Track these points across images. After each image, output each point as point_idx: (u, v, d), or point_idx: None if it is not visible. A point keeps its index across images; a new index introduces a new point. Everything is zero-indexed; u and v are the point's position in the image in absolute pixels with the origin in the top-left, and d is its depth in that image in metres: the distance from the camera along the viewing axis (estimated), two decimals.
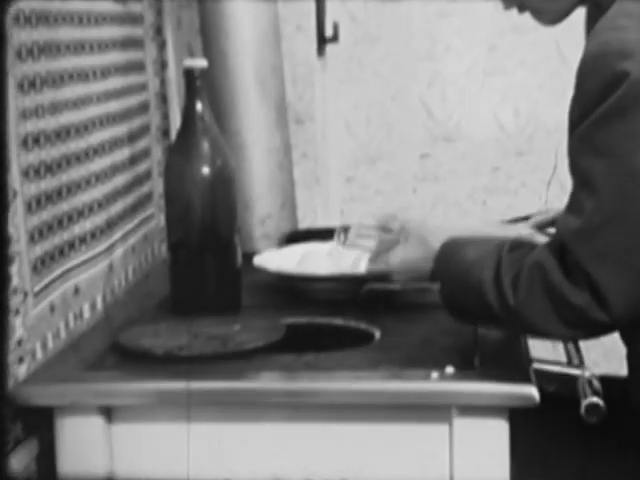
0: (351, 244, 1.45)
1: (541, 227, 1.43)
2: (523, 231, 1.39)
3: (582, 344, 1.38)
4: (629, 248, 1.15)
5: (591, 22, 1.28)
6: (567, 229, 1.18)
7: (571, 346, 1.40)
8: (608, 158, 1.15)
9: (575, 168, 1.19)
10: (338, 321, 1.49)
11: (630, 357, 1.26)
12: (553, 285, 1.17)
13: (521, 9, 1.30)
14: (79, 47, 1.53)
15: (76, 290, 1.49)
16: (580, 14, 1.32)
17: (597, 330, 1.20)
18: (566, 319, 1.17)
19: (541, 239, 1.33)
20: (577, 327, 1.18)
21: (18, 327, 1.30)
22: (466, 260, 1.25)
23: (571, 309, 1.17)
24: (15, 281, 1.29)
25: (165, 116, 1.97)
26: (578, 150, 1.18)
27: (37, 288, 1.36)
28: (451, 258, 1.27)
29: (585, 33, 1.29)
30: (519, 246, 1.23)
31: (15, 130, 1.30)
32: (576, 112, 1.19)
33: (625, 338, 1.27)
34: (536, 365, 1.29)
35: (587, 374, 1.28)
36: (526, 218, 1.46)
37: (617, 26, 1.17)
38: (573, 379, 1.28)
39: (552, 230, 1.40)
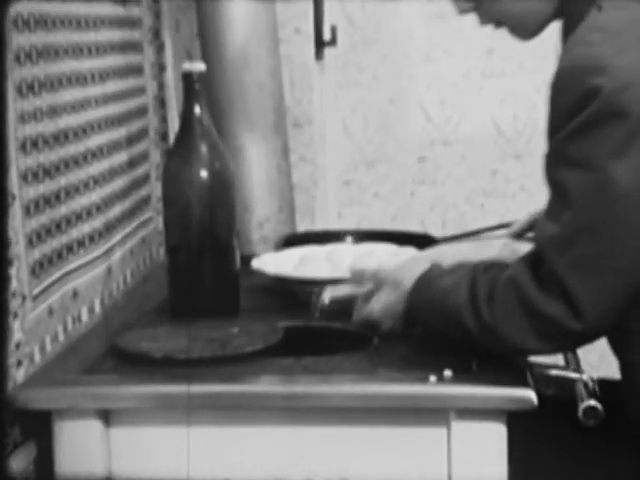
0: (327, 311, 1.45)
1: (519, 235, 1.44)
2: (499, 242, 1.40)
3: (585, 349, 1.38)
4: (603, 258, 1.16)
5: (565, 35, 1.29)
6: (544, 237, 1.19)
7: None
8: (582, 170, 1.16)
9: (550, 179, 1.21)
10: (336, 325, 1.49)
11: (621, 366, 1.27)
12: (527, 298, 1.18)
13: (497, 25, 1.32)
14: (77, 51, 1.53)
15: (74, 293, 1.49)
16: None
17: (572, 342, 1.22)
18: (541, 332, 1.19)
19: (517, 246, 1.34)
20: (552, 340, 1.20)
21: (16, 330, 1.30)
22: (441, 287, 1.27)
23: (546, 321, 1.18)
24: (13, 284, 1.29)
25: (163, 119, 1.98)
26: (553, 161, 1.20)
27: (35, 291, 1.36)
28: (426, 288, 1.29)
29: (561, 45, 1.30)
30: (493, 266, 1.25)
31: (14, 134, 1.30)
32: (551, 126, 1.21)
33: (614, 348, 1.27)
34: (534, 368, 1.29)
35: (585, 377, 1.28)
36: (508, 225, 1.47)
37: (588, 41, 1.18)
38: (571, 382, 1.28)
39: (531, 235, 1.41)
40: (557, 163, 1.19)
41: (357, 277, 1.42)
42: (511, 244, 1.38)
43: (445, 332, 1.28)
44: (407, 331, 1.33)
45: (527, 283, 1.18)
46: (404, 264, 1.37)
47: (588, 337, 1.21)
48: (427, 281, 1.30)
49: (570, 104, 1.16)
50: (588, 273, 1.16)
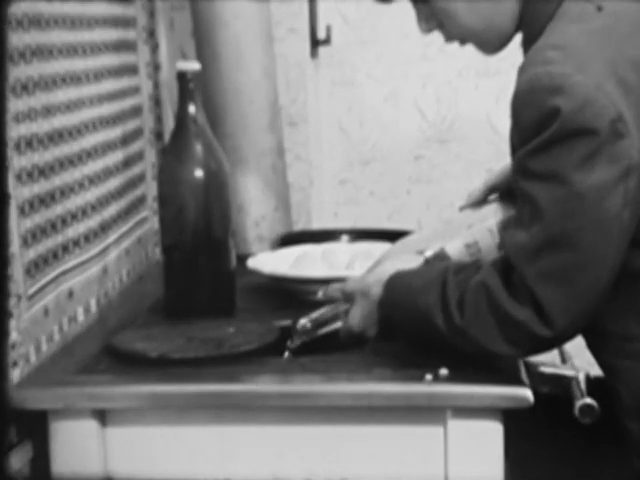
0: (308, 332, 1.44)
1: (480, 203, 1.43)
2: (463, 225, 1.39)
3: (576, 344, 1.38)
4: (572, 269, 1.17)
5: (526, 48, 1.30)
6: (513, 247, 1.20)
7: (564, 347, 1.41)
8: (550, 182, 1.17)
9: (519, 189, 1.22)
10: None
11: (601, 369, 1.28)
12: (497, 303, 1.19)
13: (462, 42, 1.33)
14: (72, 50, 1.52)
15: (70, 293, 1.49)
16: None
17: (541, 346, 1.22)
18: (510, 337, 1.20)
19: (482, 227, 1.34)
20: (521, 344, 1.21)
21: (12, 330, 1.30)
22: (412, 289, 1.27)
23: (515, 326, 1.19)
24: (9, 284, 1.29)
25: (158, 119, 1.97)
26: (521, 173, 1.21)
27: (31, 291, 1.36)
28: (396, 292, 1.30)
29: (523, 54, 1.30)
30: (463, 268, 1.26)
31: (8, 134, 1.29)
32: (515, 139, 1.22)
33: (593, 351, 1.28)
34: (530, 366, 1.29)
35: (581, 375, 1.28)
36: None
37: (545, 59, 1.19)
38: (567, 380, 1.28)
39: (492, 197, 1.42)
40: (524, 176, 1.20)
41: (328, 298, 1.42)
42: (475, 221, 1.38)
43: (417, 333, 1.28)
44: (392, 336, 1.33)
45: (497, 288, 1.19)
46: (369, 270, 1.38)
47: (557, 342, 1.23)
48: (396, 285, 1.30)
49: (531, 124, 1.17)
50: (557, 283, 1.17)
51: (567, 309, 1.17)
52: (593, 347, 1.28)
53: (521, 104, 1.19)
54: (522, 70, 1.22)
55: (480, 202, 1.42)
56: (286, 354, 1.41)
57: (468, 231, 1.36)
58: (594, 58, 1.18)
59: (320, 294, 1.45)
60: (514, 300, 1.18)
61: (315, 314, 1.41)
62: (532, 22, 1.27)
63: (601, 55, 1.18)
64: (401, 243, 1.43)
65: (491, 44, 1.33)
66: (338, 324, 1.38)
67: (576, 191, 1.16)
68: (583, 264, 1.17)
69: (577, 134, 1.15)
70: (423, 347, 1.30)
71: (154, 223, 1.87)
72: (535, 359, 1.33)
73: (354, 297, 1.35)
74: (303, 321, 1.40)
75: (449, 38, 1.34)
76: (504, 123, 2.49)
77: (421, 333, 1.27)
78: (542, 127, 1.16)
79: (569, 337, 1.22)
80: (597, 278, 1.18)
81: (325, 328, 1.40)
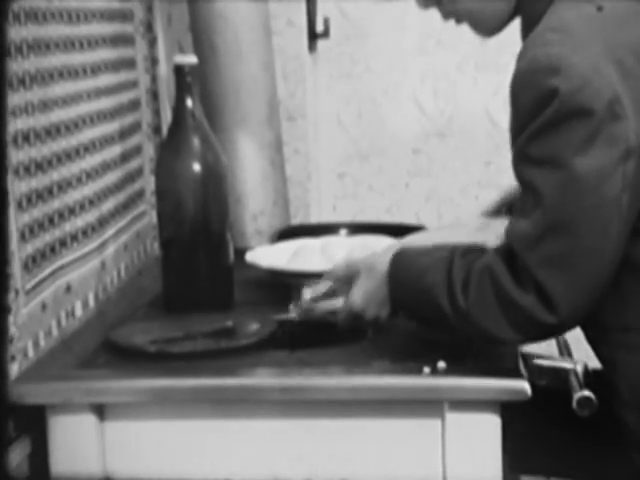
0: (309, 311, 1.44)
1: (493, 214, 1.43)
2: (472, 226, 1.40)
3: (574, 337, 1.38)
4: (574, 253, 1.17)
5: (524, 34, 1.30)
6: (515, 234, 1.20)
7: (562, 340, 1.41)
8: (549, 167, 1.17)
9: (519, 177, 1.22)
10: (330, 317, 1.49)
11: (600, 362, 1.28)
12: (502, 288, 1.19)
13: (458, 21, 1.33)
14: (69, 44, 1.52)
15: (68, 288, 1.49)
16: None
17: (545, 333, 1.22)
18: (514, 322, 1.19)
19: (491, 229, 1.34)
20: (525, 330, 1.20)
21: (10, 325, 1.29)
22: (418, 267, 1.27)
23: (519, 311, 1.18)
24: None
25: (156, 113, 1.97)
26: (520, 161, 1.21)
27: (28, 286, 1.36)
28: (404, 268, 1.29)
29: (522, 42, 1.30)
30: (470, 251, 1.25)
31: (7, 132, 1.29)
32: (514, 125, 1.22)
33: (592, 345, 1.29)
34: (527, 359, 1.29)
35: (579, 367, 1.28)
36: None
37: (544, 41, 1.19)
38: (565, 372, 1.28)
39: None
40: (523, 163, 1.20)
41: (330, 273, 1.41)
42: (485, 226, 1.39)
43: (422, 313, 1.27)
44: (392, 318, 1.32)
45: (502, 274, 1.19)
46: (374, 252, 1.37)
47: (560, 329, 1.23)
48: (403, 261, 1.29)
49: (530, 105, 1.17)
50: (560, 269, 1.17)
51: (570, 295, 1.17)
52: (592, 340, 1.28)
53: (519, 86, 1.19)
54: (521, 54, 1.22)
55: (493, 214, 1.43)
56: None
57: (476, 233, 1.37)
58: (592, 41, 1.18)
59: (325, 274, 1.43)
60: (518, 286, 1.18)
61: (318, 289, 1.40)
62: (531, 8, 1.26)
63: (599, 38, 1.18)
64: (408, 239, 1.43)
65: (487, 26, 1.32)
66: (339, 302, 1.36)
67: (575, 174, 1.15)
68: (584, 249, 1.17)
69: (575, 115, 1.15)
70: (425, 328, 1.29)
71: (152, 217, 1.87)
72: (533, 352, 1.33)
73: (359, 273, 1.34)
74: (305, 295, 1.40)
75: (445, 16, 1.34)
76: (502, 117, 2.50)
77: (425, 312, 1.26)
78: (540, 108, 1.16)
79: (573, 324, 1.21)
80: (599, 264, 1.18)
81: (326, 304, 1.38)
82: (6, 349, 1.24)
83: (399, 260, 1.30)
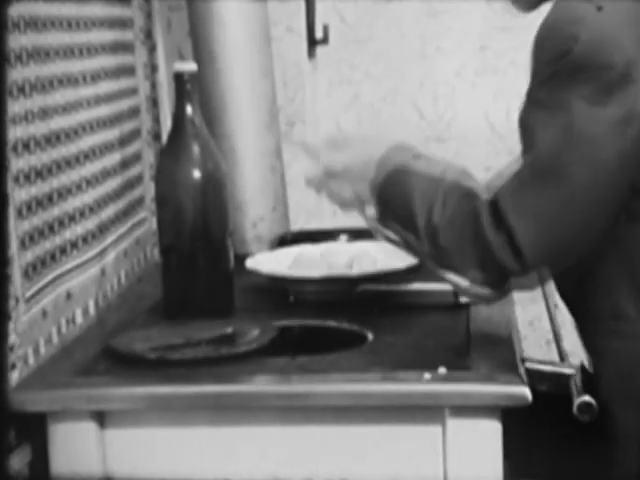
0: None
1: None
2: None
3: (574, 342, 1.38)
4: (552, 206, 1.17)
5: None
6: (504, 179, 1.21)
7: (563, 345, 1.41)
8: (553, 111, 1.16)
9: (522, 123, 1.21)
10: (331, 323, 1.49)
11: (588, 353, 1.28)
12: (479, 220, 1.19)
13: None
14: (68, 52, 1.52)
15: (68, 295, 1.49)
16: None
17: (504, 277, 1.23)
18: (479, 257, 1.20)
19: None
20: (487, 269, 1.21)
21: (10, 333, 1.30)
22: (412, 169, 1.27)
23: (486, 247, 1.19)
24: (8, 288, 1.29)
25: (156, 120, 1.97)
26: (527, 105, 1.21)
27: (28, 294, 1.36)
28: (395, 168, 1.28)
29: None
30: (464, 181, 1.25)
31: (7, 135, 1.29)
32: (531, 79, 1.21)
33: (580, 332, 1.29)
34: (528, 364, 1.29)
35: (579, 373, 1.28)
36: None
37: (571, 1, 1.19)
38: (565, 378, 1.28)
39: None
40: (530, 107, 1.20)
41: (329, 142, 1.40)
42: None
43: (395, 209, 1.27)
44: (358, 202, 1.31)
45: (483, 208, 1.20)
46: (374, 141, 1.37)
47: (520, 275, 1.23)
48: (400, 155, 1.30)
49: (549, 53, 1.17)
50: (534, 220, 1.18)
51: (539, 248, 1.18)
52: (582, 329, 1.28)
53: (542, 37, 1.19)
54: (548, 13, 1.22)
55: None
56: None
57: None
58: (619, 8, 1.18)
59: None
60: (493, 225, 1.19)
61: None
62: None
63: (626, 7, 1.18)
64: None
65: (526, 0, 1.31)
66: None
67: (575, 123, 1.15)
68: (563, 204, 1.17)
69: (591, 66, 1.15)
70: (386, 228, 1.30)
71: (152, 224, 1.87)
72: (533, 357, 1.33)
73: (352, 143, 1.34)
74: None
75: None
76: (502, 122, 2.50)
77: (397, 209, 1.27)
78: (559, 55, 1.16)
79: (538, 269, 1.23)
80: (575, 224, 1.18)
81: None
82: (6, 356, 1.24)
83: (396, 153, 1.30)
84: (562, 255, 1.20)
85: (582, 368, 1.29)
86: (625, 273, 1.22)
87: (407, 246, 1.29)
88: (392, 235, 1.30)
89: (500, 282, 1.24)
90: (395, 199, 1.27)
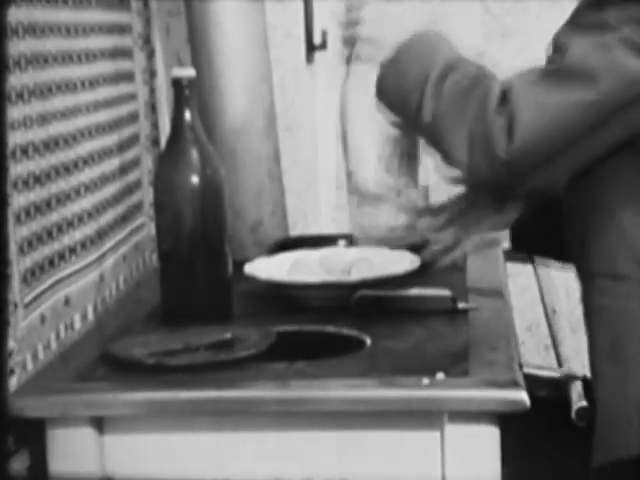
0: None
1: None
2: None
3: (573, 349, 1.38)
4: (561, 106, 1.16)
5: None
6: (521, 73, 1.20)
7: (562, 351, 1.41)
8: (591, 30, 1.15)
9: (556, 42, 1.20)
10: (329, 328, 1.49)
11: (584, 313, 1.27)
12: (486, 94, 1.18)
13: None
14: (67, 58, 1.53)
15: (67, 301, 1.49)
16: None
17: (490, 169, 1.19)
18: (472, 131, 1.18)
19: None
20: (474, 149, 1.19)
21: (8, 339, 1.30)
22: (437, 37, 1.28)
23: (483, 122, 1.17)
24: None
25: (155, 125, 1.98)
26: (564, 29, 1.19)
27: (27, 299, 1.36)
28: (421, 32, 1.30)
29: None
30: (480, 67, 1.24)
31: (7, 138, 1.29)
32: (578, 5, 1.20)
33: (582, 294, 1.27)
34: (526, 370, 1.29)
35: (577, 379, 1.28)
36: None
37: None
38: (563, 383, 1.28)
39: None
40: (568, 29, 1.18)
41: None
42: None
43: (409, 73, 1.25)
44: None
45: (495, 87, 1.18)
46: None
47: (504, 172, 1.20)
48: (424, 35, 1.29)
49: None
50: (539, 112, 1.16)
51: (534, 139, 1.16)
52: (584, 291, 1.27)
53: None
54: None
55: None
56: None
57: None
58: None
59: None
60: (498, 105, 1.17)
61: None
62: None
63: None
64: None
65: None
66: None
67: (613, 44, 1.13)
68: (580, 105, 1.15)
69: None
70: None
71: (151, 229, 1.88)
72: (532, 362, 1.33)
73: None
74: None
75: None
76: None
77: (412, 76, 1.25)
78: None
79: (519, 169, 1.19)
80: (580, 128, 1.16)
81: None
82: (5, 362, 1.24)
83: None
84: (548, 162, 1.18)
85: (583, 379, 1.29)
86: (621, 231, 1.20)
87: (403, 107, 1.26)
88: (393, 88, 1.27)
89: (484, 175, 1.21)
90: (415, 51, 1.26)
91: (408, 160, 1.37)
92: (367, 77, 1.32)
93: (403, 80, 1.26)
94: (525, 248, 1.56)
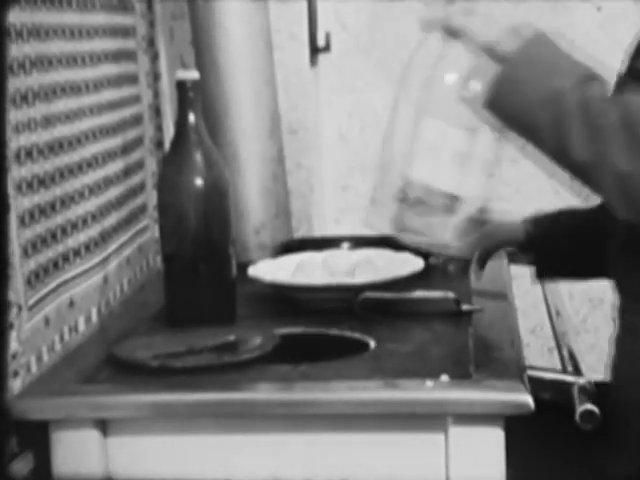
0: None
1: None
2: None
3: (578, 350, 1.38)
4: None
5: None
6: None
7: (566, 352, 1.41)
8: None
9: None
10: (333, 331, 1.49)
11: (621, 329, 1.24)
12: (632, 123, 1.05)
13: None
14: (71, 60, 1.53)
15: (71, 303, 1.49)
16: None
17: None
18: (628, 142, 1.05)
19: None
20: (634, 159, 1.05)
21: (12, 341, 1.30)
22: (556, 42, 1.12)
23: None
24: (9, 295, 1.29)
25: (159, 128, 1.98)
26: None
27: (31, 302, 1.36)
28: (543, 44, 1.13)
29: None
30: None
31: (8, 144, 1.30)
32: None
33: (620, 308, 1.24)
34: (531, 372, 1.29)
35: (582, 381, 1.28)
36: None
37: None
38: (568, 386, 1.28)
39: None
40: None
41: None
42: None
43: (539, 84, 1.10)
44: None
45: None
46: None
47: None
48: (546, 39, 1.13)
49: None
50: None
51: None
52: (622, 305, 1.24)
53: None
54: None
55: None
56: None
57: None
58: None
59: None
60: None
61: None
62: None
63: None
64: None
65: None
66: None
67: None
68: None
69: None
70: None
71: (154, 232, 1.88)
72: (536, 365, 1.33)
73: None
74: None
75: None
76: None
77: (543, 88, 1.09)
78: None
79: None
80: None
81: None
82: (6, 365, 1.23)
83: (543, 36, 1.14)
84: None
85: (588, 381, 1.28)
86: None
87: (529, 125, 1.12)
88: (514, 100, 1.11)
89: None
90: (536, 56, 1.11)
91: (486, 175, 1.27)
92: (465, 65, 1.20)
93: (528, 92, 1.12)
94: (551, 273, 1.54)
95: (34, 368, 1.36)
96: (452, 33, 1.21)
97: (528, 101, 1.12)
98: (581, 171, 1.12)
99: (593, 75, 1.11)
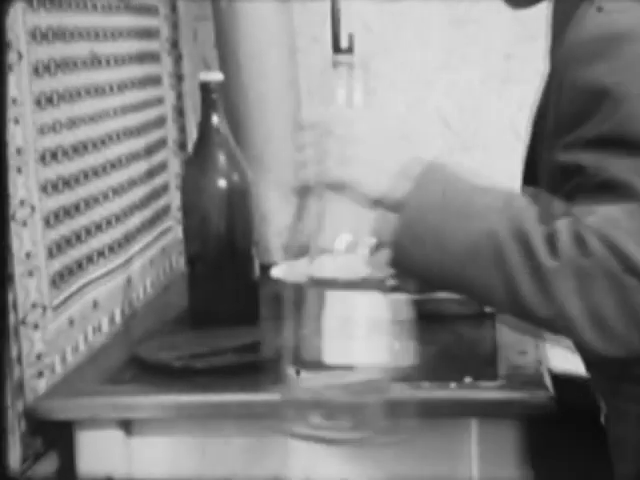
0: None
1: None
2: None
3: None
4: None
5: (560, 10, 1.16)
6: (606, 220, 0.91)
7: None
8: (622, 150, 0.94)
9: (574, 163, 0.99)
10: None
11: (608, 414, 1.16)
12: (625, 254, 0.89)
13: None
14: (95, 62, 1.53)
15: (95, 304, 1.50)
16: None
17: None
18: (626, 302, 0.89)
19: None
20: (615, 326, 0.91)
21: (37, 341, 1.30)
22: (468, 195, 0.96)
23: (618, 292, 0.89)
24: (34, 296, 1.30)
25: (182, 129, 1.98)
26: (578, 147, 0.99)
27: (56, 302, 1.37)
28: (439, 185, 0.97)
29: (552, 20, 1.18)
30: (541, 200, 0.96)
31: (33, 146, 1.31)
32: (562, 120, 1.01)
33: (603, 393, 1.16)
34: (555, 374, 1.28)
35: None
36: None
37: (606, 11, 1.02)
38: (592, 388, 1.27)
39: None
40: (578, 150, 0.96)
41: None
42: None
43: (463, 261, 0.91)
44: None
45: (625, 240, 0.89)
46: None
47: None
48: (444, 175, 0.97)
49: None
50: None
51: None
52: (606, 387, 1.15)
53: (586, 55, 0.99)
54: (575, 24, 1.04)
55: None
56: None
57: None
58: None
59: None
60: (621, 266, 0.89)
61: None
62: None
63: None
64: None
65: None
66: None
67: None
68: None
69: None
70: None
71: (178, 233, 1.88)
72: (560, 366, 1.32)
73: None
74: None
75: None
76: (527, 130, 2.48)
77: (467, 263, 0.91)
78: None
79: None
80: None
81: None
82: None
83: (438, 170, 0.97)
84: None
85: None
86: None
87: (457, 278, 0.93)
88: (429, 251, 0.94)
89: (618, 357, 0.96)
90: (449, 212, 0.94)
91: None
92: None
93: (440, 241, 0.94)
94: None
95: (58, 368, 1.36)
96: (334, 189, 1.02)
97: (447, 252, 0.93)
98: (544, 324, 0.97)
99: (513, 198, 0.96)
